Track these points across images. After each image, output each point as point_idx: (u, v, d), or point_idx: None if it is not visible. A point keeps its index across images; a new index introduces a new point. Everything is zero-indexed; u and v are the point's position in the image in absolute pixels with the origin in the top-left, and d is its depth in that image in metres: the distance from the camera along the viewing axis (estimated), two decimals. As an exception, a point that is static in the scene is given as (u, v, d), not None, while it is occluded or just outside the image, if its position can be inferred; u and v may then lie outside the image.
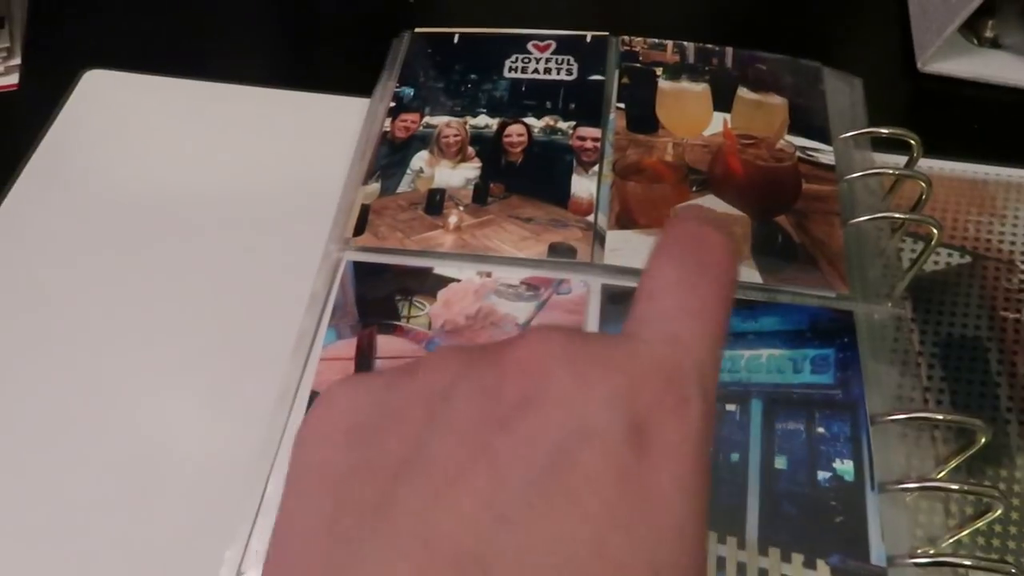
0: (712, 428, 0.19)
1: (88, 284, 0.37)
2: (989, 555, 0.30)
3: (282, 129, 0.42)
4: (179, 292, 0.37)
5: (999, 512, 0.30)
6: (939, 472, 0.32)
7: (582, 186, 0.37)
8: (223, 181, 0.41)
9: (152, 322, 0.36)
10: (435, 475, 0.17)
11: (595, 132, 0.39)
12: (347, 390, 0.20)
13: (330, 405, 0.20)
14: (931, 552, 0.30)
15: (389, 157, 0.39)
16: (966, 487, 0.31)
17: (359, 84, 0.43)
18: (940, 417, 0.32)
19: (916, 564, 0.29)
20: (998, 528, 0.31)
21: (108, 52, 0.46)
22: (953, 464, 0.32)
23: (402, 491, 0.17)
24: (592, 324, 0.34)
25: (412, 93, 0.41)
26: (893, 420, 0.31)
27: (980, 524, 0.30)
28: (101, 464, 0.32)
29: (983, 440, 0.30)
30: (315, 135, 0.42)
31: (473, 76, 0.42)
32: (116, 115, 0.44)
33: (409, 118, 0.40)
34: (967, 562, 0.29)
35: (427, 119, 0.40)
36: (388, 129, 0.40)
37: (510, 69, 0.42)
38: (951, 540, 0.30)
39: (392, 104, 0.41)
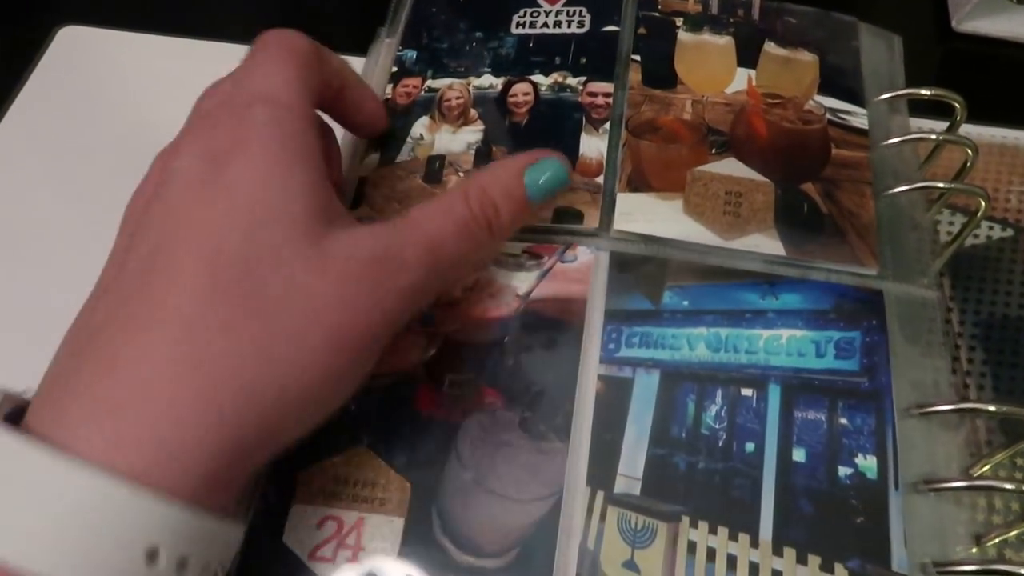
0: (298, 123, 0.26)
1: (63, 247, 0.36)
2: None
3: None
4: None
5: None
6: (982, 467, 0.29)
7: (591, 146, 0.34)
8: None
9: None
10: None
11: (607, 87, 0.36)
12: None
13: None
14: (974, 555, 0.27)
15: (390, 125, 0.36)
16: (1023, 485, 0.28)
17: (356, 42, 0.39)
18: (992, 409, 0.29)
19: (955, 572, 0.26)
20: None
21: (83, 8, 0.45)
22: (999, 458, 0.30)
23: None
24: (599, 294, 0.31)
25: (414, 56, 0.38)
26: (934, 411, 0.29)
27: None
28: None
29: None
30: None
31: (479, 34, 0.39)
32: (92, 74, 0.42)
33: (411, 83, 0.37)
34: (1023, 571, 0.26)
35: (429, 83, 0.37)
36: (389, 96, 0.37)
37: (518, 24, 0.39)
38: (996, 540, 0.28)
39: (394, 69, 0.38)
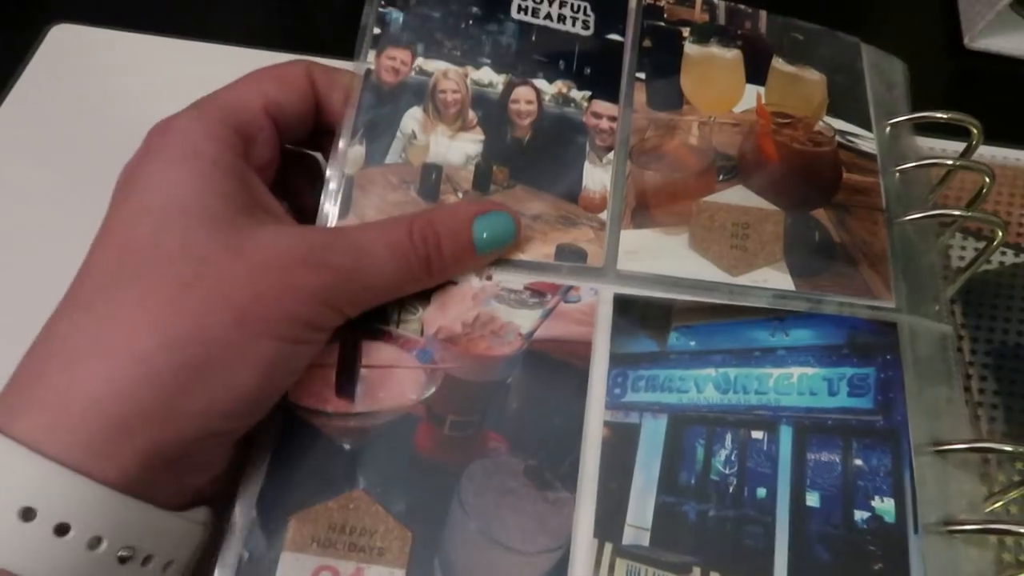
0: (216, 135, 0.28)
1: (53, 245, 0.35)
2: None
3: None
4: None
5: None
6: (994, 503, 0.29)
7: (595, 177, 0.33)
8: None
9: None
10: None
11: (612, 109, 0.34)
12: None
13: None
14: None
15: (376, 109, 0.32)
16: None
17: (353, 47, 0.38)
18: (1008, 449, 0.28)
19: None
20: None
21: (76, 6, 0.44)
22: (1014, 495, 0.29)
23: None
24: (603, 336, 0.30)
25: (401, 20, 0.34)
26: (948, 450, 0.28)
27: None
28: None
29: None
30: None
31: (475, 10, 0.35)
32: (84, 72, 0.42)
33: (399, 56, 0.34)
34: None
35: (420, 61, 0.34)
36: (373, 67, 0.33)
37: (519, 9, 0.36)
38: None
39: (376, 30, 0.34)
